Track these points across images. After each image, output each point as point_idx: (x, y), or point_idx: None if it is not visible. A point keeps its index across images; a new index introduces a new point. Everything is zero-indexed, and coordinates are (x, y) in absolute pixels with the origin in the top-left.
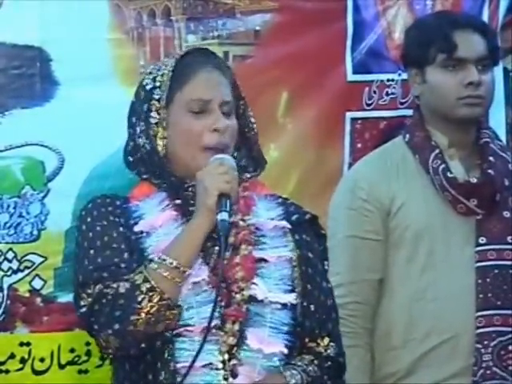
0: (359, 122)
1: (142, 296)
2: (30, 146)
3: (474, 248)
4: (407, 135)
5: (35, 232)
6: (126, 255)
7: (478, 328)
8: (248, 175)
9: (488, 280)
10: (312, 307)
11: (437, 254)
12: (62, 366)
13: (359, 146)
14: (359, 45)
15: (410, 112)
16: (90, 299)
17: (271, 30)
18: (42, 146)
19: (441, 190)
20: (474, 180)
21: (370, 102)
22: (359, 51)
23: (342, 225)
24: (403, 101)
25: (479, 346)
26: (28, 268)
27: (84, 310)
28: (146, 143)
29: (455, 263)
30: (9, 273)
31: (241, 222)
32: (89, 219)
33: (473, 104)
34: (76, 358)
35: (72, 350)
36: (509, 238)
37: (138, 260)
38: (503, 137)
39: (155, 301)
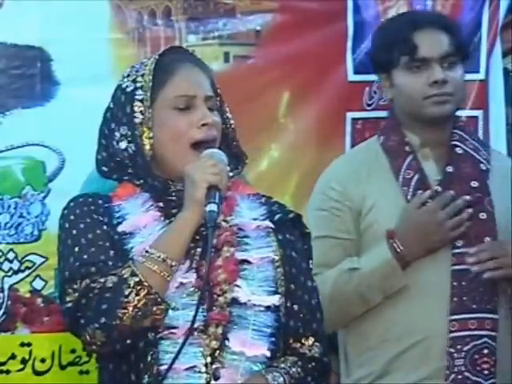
0: (360, 122)
1: (130, 290)
2: (30, 146)
3: (450, 250)
4: (381, 137)
5: (36, 232)
6: (111, 253)
7: (451, 332)
8: (230, 174)
9: (464, 283)
10: (296, 307)
11: None
12: (62, 367)
13: None
14: (360, 45)
15: None
16: (76, 294)
17: (272, 31)
18: (42, 146)
19: (412, 197)
20: (439, 188)
21: (370, 102)
22: (360, 51)
23: (314, 226)
24: None
25: (452, 350)
26: (29, 268)
27: (70, 305)
28: (130, 146)
29: (428, 265)
30: (10, 273)
31: (223, 223)
32: (72, 217)
33: (440, 102)
34: (77, 359)
35: (73, 351)
36: (486, 240)
37: (122, 260)
38: (503, 137)
39: (142, 295)
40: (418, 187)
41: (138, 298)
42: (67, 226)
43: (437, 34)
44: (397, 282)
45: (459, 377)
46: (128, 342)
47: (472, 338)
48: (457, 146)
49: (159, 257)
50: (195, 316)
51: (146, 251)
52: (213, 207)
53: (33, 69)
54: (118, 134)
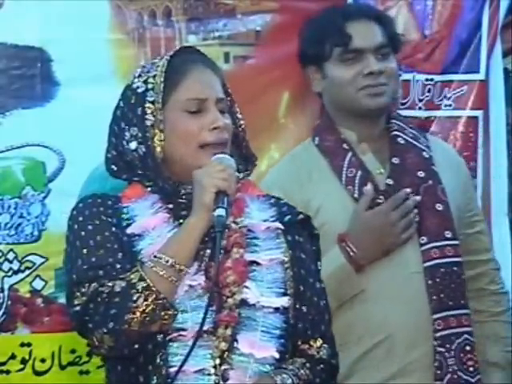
0: None
1: (138, 295)
2: (30, 147)
3: (419, 248)
4: (317, 138)
5: (36, 232)
6: (119, 255)
7: (438, 331)
8: (240, 175)
9: (438, 280)
10: (304, 309)
11: None
12: (62, 367)
13: None
14: None
15: (410, 113)
16: (84, 298)
17: (272, 31)
18: (42, 146)
19: (359, 195)
20: (390, 182)
21: None
22: None
23: None
24: (404, 101)
25: (442, 349)
26: (29, 269)
27: (78, 308)
28: (140, 147)
29: (383, 264)
30: (10, 273)
31: (233, 225)
32: (80, 218)
33: (375, 94)
34: (77, 359)
35: (73, 351)
36: (446, 233)
37: (130, 262)
38: (503, 137)
39: (150, 300)
40: (363, 184)
41: (146, 303)
42: (76, 227)
43: (370, 25)
44: (351, 287)
45: (454, 376)
46: (136, 346)
47: (456, 336)
48: (398, 136)
49: (167, 262)
50: (204, 318)
51: (155, 256)
52: (221, 212)
53: (33, 69)
54: (128, 134)
